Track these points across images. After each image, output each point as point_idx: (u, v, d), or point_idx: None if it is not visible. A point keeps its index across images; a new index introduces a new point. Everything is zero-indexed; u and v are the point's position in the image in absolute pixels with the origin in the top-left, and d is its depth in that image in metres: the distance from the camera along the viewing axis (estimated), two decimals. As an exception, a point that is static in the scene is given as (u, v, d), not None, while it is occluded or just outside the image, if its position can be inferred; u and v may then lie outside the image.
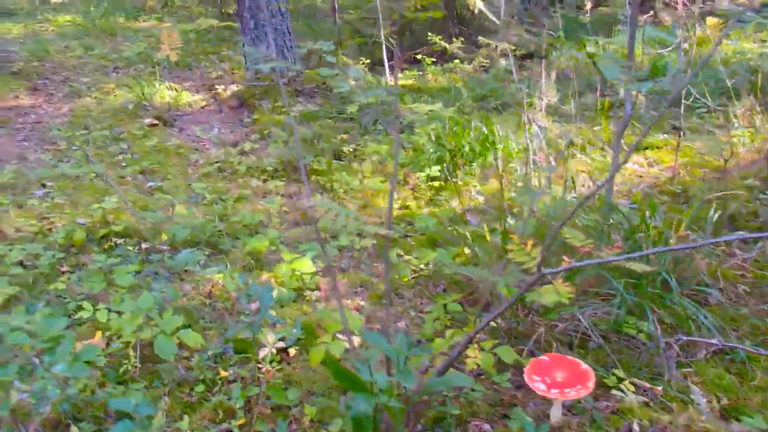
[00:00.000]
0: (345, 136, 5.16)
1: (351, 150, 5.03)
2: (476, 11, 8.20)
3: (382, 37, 7.67)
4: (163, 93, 7.86)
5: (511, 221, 3.04)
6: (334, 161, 5.03)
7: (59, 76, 9.43)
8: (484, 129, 4.57)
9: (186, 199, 4.63)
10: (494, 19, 8.07)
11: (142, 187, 4.86)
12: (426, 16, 8.83)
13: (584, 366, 2.04)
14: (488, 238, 3.03)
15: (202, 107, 7.75)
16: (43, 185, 4.96)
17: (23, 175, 5.18)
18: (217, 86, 8.44)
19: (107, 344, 2.71)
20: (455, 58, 8.32)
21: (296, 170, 5.01)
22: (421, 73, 8.27)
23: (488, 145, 4.47)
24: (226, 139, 5.97)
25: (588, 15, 8.79)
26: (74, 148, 5.61)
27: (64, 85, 9.02)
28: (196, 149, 5.75)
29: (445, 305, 2.77)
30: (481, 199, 4.06)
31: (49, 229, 4.05)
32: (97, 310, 2.80)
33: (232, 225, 4.06)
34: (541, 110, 4.25)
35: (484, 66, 8.32)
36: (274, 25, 6.50)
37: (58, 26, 13.45)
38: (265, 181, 4.92)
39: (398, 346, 1.85)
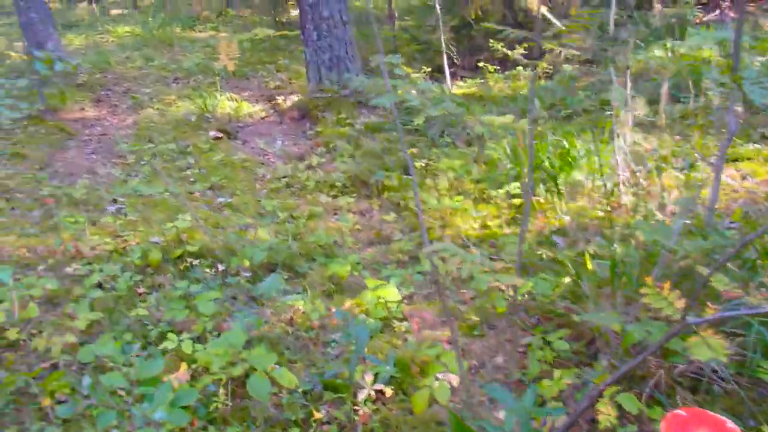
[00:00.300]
0: (414, 150, 5.00)
1: (423, 165, 4.86)
2: (539, 15, 7.94)
3: (442, 44, 7.51)
4: (224, 104, 7.86)
5: (617, 248, 2.83)
6: (405, 176, 4.88)
7: (121, 87, 9.56)
8: (565, 142, 4.36)
9: (256, 216, 4.55)
10: (558, 23, 7.79)
11: (212, 203, 4.80)
12: (485, 21, 8.63)
13: (730, 425, 1.83)
14: (590, 265, 2.83)
15: (263, 118, 7.71)
16: (115, 201, 4.96)
17: (95, 190, 5.19)
18: (276, 96, 8.41)
19: (192, 376, 2.62)
20: (518, 65, 8.08)
21: (366, 185, 4.88)
22: (482, 80, 8.06)
23: (569, 159, 4.25)
24: (291, 152, 5.89)
25: (657, 16, 8.44)
26: (142, 162, 5.60)
27: (126, 96, 9.14)
28: (262, 163, 5.69)
29: (548, 341, 2.58)
30: (567, 219, 3.85)
31: (124, 248, 4.01)
32: (181, 340, 2.71)
33: (306, 245, 3.95)
34: (627, 122, 4.01)
35: (547, 72, 8.07)
36: (336, 36, 6.40)
37: (117, 37, 13.71)
38: (334, 197, 4.81)
39: (525, 406, 1.68)
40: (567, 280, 2.88)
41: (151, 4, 16.81)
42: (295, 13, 14.10)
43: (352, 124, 6.20)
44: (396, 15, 9.80)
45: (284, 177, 5.19)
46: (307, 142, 6.11)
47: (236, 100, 8.12)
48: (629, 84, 4.12)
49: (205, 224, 4.30)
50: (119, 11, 15.62)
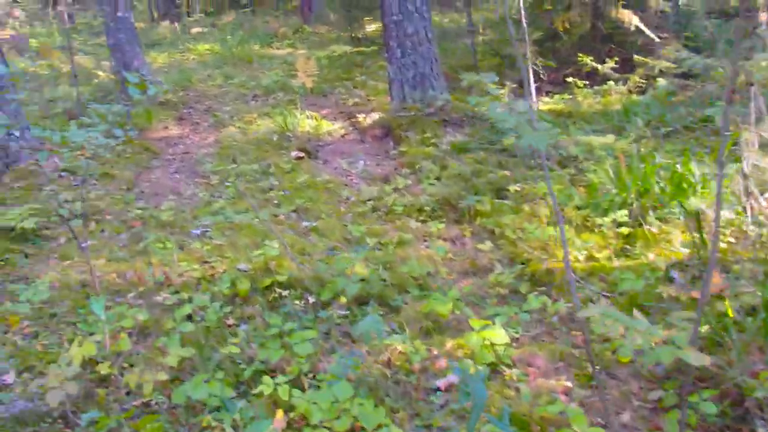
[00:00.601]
0: (507, 173, 4.74)
1: (518, 189, 4.59)
2: (631, 27, 7.54)
3: (527, 57, 7.21)
4: (304, 122, 7.80)
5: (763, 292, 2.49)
6: (497, 200, 4.62)
7: (202, 105, 9.69)
8: (678, 166, 4.00)
9: (343, 242, 4.39)
10: (652, 35, 7.38)
11: (298, 228, 4.68)
12: (571, 33, 8.27)
13: None
14: (732, 312, 2.50)
15: (342, 136, 7.61)
16: (200, 224, 4.90)
17: (180, 211, 5.16)
18: (356, 114, 8.31)
19: (288, 424, 2.44)
20: (608, 79, 7.69)
21: (455, 209, 4.65)
22: (570, 96, 7.70)
23: (684, 185, 3.89)
24: (375, 173, 5.73)
25: (765, 26, 7.85)
26: (226, 184, 5.56)
27: (207, 114, 9.24)
28: (345, 184, 5.54)
29: (689, 401, 2.27)
30: (685, 251, 3.50)
31: (212, 275, 3.92)
32: (277, 383, 2.54)
33: (398, 275, 3.74)
34: (752, 143, 3.63)
35: (640, 87, 7.65)
36: (420, 53, 6.22)
37: (198, 55, 14.02)
38: (423, 221, 4.60)
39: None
40: (705, 328, 2.55)
41: (230, 22, 17.18)
42: (371, 29, 14.07)
43: (436, 143, 5.99)
44: (476, 29, 9.55)
45: (369, 200, 5.02)
46: (391, 163, 5.94)
47: (316, 118, 8.06)
48: (756, 99, 3.74)
49: (292, 250, 4.17)
50: (199, 29, 16.02)
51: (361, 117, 7.88)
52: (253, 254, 3.99)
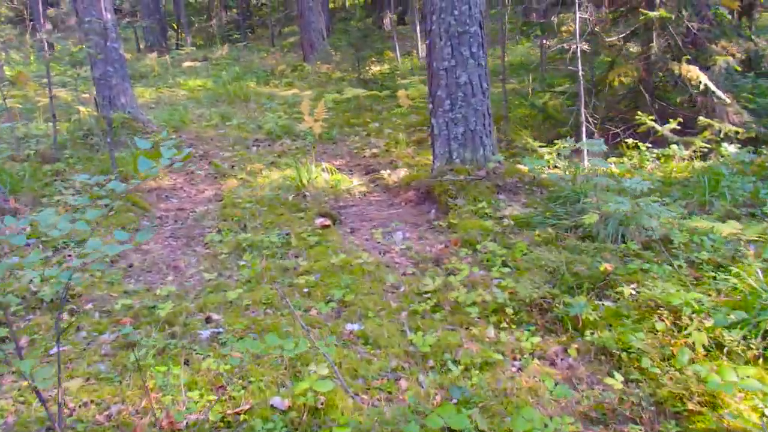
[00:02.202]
0: (608, 266, 3.69)
1: (632, 291, 3.54)
2: (700, 85, 6.63)
3: (582, 115, 6.26)
4: (319, 177, 6.74)
5: None
6: (600, 302, 3.57)
7: (198, 150, 8.58)
8: None
9: (404, 357, 3.30)
10: (723, 96, 6.50)
11: (340, 331, 3.57)
12: (619, 85, 7.38)
13: None
14: None
15: (364, 194, 6.56)
16: (208, 319, 3.77)
17: (182, 300, 4.03)
18: (378, 169, 7.27)
19: None
20: (669, 142, 6.77)
21: (542, 311, 3.59)
22: (621, 157, 6.76)
23: None
24: (421, 252, 4.65)
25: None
26: (240, 262, 4.43)
27: (204, 161, 8.14)
28: (388, 265, 4.46)
29: None
30: None
31: (235, 416, 2.78)
32: None
33: (498, 421, 2.65)
34: None
35: (703, 151, 6.72)
36: (473, 106, 5.22)
37: (189, 90, 12.96)
38: (504, 328, 3.52)
39: None
40: None
41: (223, 57, 16.20)
42: (377, 68, 13.17)
43: (492, 214, 4.95)
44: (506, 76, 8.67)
45: (425, 293, 3.93)
46: (439, 237, 4.87)
47: (332, 171, 7.00)
48: None
49: (341, 372, 3.06)
50: (190, 63, 15.00)
51: (384, 173, 6.85)
52: (286, 373, 2.86)
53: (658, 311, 3.26)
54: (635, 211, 3.91)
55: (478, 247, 4.48)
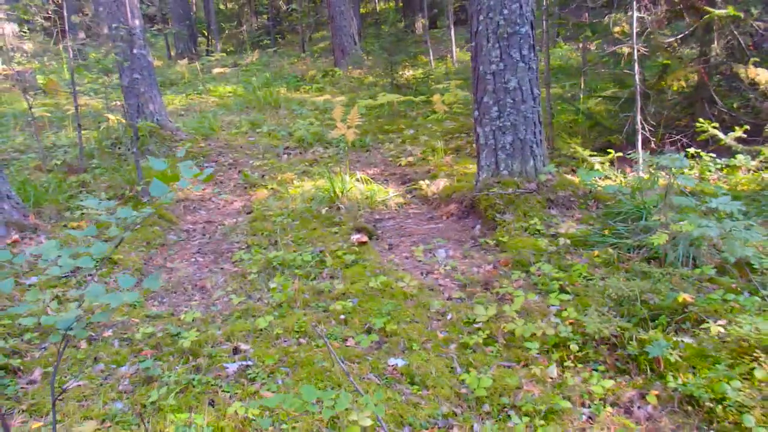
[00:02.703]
0: (688, 297, 3.24)
1: (722, 328, 3.08)
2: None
3: (638, 120, 5.80)
4: (353, 187, 6.38)
5: None
6: (674, 336, 3.13)
7: (227, 158, 8.30)
8: None
9: (456, 400, 2.90)
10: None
11: (381, 367, 3.18)
12: (672, 91, 6.88)
13: None
14: None
15: (401, 205, 6.18)
16: (236, 350, 3.42)
17: (208, 325, 3.69)
18: (414, 179, 6.89)
19: None
20: (734, 152, 6.25)
21: (613, 348, 3.16)
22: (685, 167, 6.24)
23: None
24: (468, 273, 4.25)
25: None
26: (271, 284, 4.07)
27: (233, 170, 7.85)
28: (431, 289, 4.07)
29: None
30: None
31: (265, 473, 2.42)
32: None
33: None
34: None
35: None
36: (523, 113, 4.81)
37: (219, 97, 12.74)
38: (568, 367, 3.09)
39: None
40: None
41: (253, 63, 15.98)
42: (410, 73, 12.79)
43: (544, 231, 4.53)
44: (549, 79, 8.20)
45: (476, 323, 3.53)
46: (486, 257, 4.46)
47: (367, 181, 6.64)
48: None
49: (384, 417, 2.68)
50: (220, 69, 14.79)
51: (423, 183, 6.46)
52: (323, 419, 2.49)
53: (754, 353, 2.81)
54: (725, 236, 3.45)
55: (532, 270, 4.05)
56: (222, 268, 4.75)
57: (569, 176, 5.37)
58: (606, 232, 4.39)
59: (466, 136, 8.37)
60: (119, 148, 8.23)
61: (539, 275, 4.00)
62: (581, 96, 8.83)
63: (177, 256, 5.12)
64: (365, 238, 4.81)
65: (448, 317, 3.65)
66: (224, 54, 17.42)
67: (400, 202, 6.27)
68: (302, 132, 8.97)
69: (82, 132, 9.60)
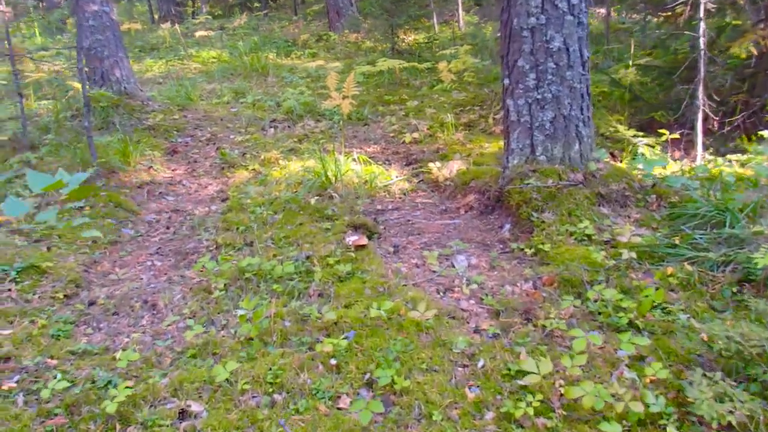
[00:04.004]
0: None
1: None
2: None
3: (700, 95, 4.75)
4: (349, 170, 5.34)
5: None
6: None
7: (205, 133, 7.23)
8: None
9: None
10: None
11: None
12: (743, 58, 5.81)
13: None
14: None
15: (407, 193, 5.15)
16: (183, 414, 2.41)
17: (150, 369, 2.68)
18: (421, 159, 5.84)
19: None
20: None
21: (728, 430, 2.16)
22: (742, 153, 5.23)
23: None
24: (499, 293, 3.24)
25: None
26: (239, 313, 3.03)
27: (210, 147, 6.78)
28: (453, 316, 3.06)
29: None
30: None
31: None
32: None
33: None
34: None
35: None
36: (569, 83, 3.74)
37: (202, 63, 11.59)
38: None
39: None
40: None
41: (241, 26, 14.74)
42: (412, 38, 11.64)
43: (595, 237, 3.50)
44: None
45: (523, 377, 2.51)
46: (521, 270, 3.45)
47: (366, 162, 5.59)
48: None
49: None
50: (204, 33, 13.57)
51: (433, 166, 5.41)
52: None
53: None
54: None
55: (589, 295, 3.04)
56: (183, 277, 3.73)
57: (616, 164, 4.33)
58: (677, 240, 3.38)
59: (479, 108, 7.30)
60: (80, 120, 7.14)
61: (597, 301, 2.99)
62: (612, 65, 7.74)
63: (130, 258, 4.09)
64: (364, 240, 3.78)
65: (479, 364, 2.65)
66: (210, 17, 16.15)
67: (405, 189, 5.24)
68: (291, 102, 7.88)
69: (43, 103, 8.51)
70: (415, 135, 6.60)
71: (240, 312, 2.89)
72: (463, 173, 4.98)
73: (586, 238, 3.53)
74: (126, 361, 2.69)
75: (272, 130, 7.32)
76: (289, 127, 7.39)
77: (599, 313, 2.95)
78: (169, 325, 3.12)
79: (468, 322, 3.02)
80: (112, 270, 3.86)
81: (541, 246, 3.51)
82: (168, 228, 4.74)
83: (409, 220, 4.52)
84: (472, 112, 7.21)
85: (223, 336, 2.96)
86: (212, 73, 10.41)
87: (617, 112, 6.46)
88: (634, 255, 3.24)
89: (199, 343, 2.88)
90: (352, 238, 3.77)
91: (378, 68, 8.73)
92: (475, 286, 3.33)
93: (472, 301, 3.22)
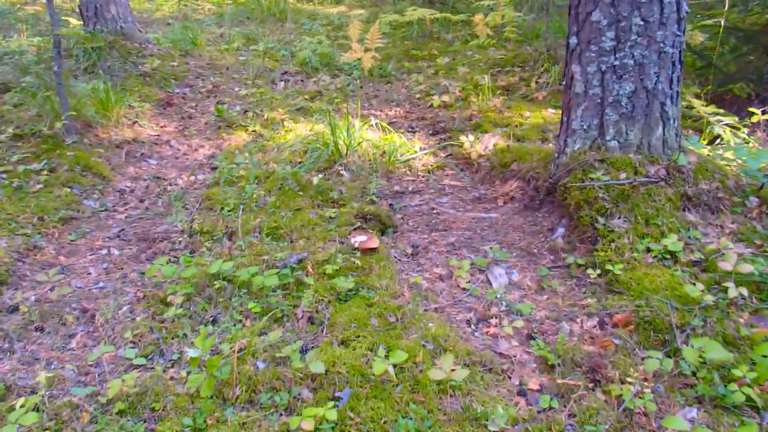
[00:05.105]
0: None
1: None
2: None
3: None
4: (364, 136, 4.45)
5: None
6: None
7: (206, 84, 6.34)
8: None
9: None
10: None
11: None
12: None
13: None
14: None
15: (432, 171, 4.25)
16: None
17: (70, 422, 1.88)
18: (451, 128, 4.91)
19: None
20: None
21: None
22: None
23: None
24: (553, 334, 2.37)
25: None
26: (192, 354, 2.17)
27: (210, 100, 5.90)
28: (489, 367, 2.20)
29: None
30: None
31: None
32: None
33: None
34: None
35: None
36: (657, 45, 2.78)
37: (215, 4, 10.61)
38: None
39: None
40: None
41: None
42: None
43: (682, 257, 2.59)
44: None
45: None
46: (582, 297, 2.57)
47: (384, 129, 4.69)
48: None
49: None
50: (223, -29, 12.48)
51: (464, 139, 4.49)
52: None
53: None
54: None
55: (688, 355, 2.15)
56: (141, 275, 2.91)
57: (704, 152, 3.37)
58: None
59: (519, 70, 6.30)
60: (69, 60, 6.27)
61: (695, 361, 2.11)
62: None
63: (83, 242, 3.28)
64: (374, 242, 2.91)
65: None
66: (231, -46, 14.99)
67: (430, 165, 4.35)
68: (307, 53, 6.92)
69: (36, 40, 7.66)
70: (445, 98, 5.64)
71: (192, 353, 2.06)
72: (503, 151, 4.06)
73: (668, 256, 2.62)
74: (30, 422, 1.88)
75: (282, 83, 6.40)
76: (302, 81, 6.47)
77: (696, 376, 2.07)
78: (99, 358, 2.30)
79: (509, 377, 2.16)
80: (55, 260, 3.05)
81: (609, 266, 2.62)
82: (141, 201, 3.91)
83: (433, 209, 3.64)
84: (512, 74, 6.21)
85: (170, 380, 2.14)
86: (225, 16, 9.43)
87: (687, 82, 5.42)
88: (744, 291, 2.33)
89: (134, 393, 2.07)
90: (358, 239, 2.90)
91: (406, 18, 7.69)
92: (518, 318, 2.46)
93: (514, 343, 2.36)
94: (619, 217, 2.78)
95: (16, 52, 6.84)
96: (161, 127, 5.21)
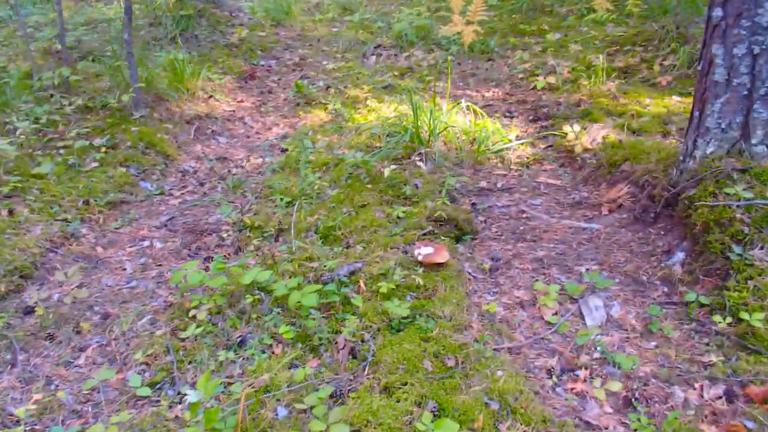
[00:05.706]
0: None
1: None
2: None
3: None
4: (453, 120, 3.91)
5: None
6: None
7: (293, 56, 6.00)
8: None
9: None
10: None
11: None
12: None
13: None
14: None
15: (526, 164, 3.66)
16: None
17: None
18: (554, 115, 4.28)
19: None
20: None
21: None
22: None
23: None
24: (658, 396, 1.78)
25: None
26: (191, 399, 1.78)
27: (295, 74, 5.56)
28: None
29: None
30: None
31: None
32: None
33: None
34: None
35: None
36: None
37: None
38: None
39: None
40: None
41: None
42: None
43: None
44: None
45: None
46: (697, 344, 1.98)
47: (477, 114, 4.11)
48: None
49: None
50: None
51: (569, 129, 3.84)
52: None
53: None
54: None
55: None
56: (178, 273, 2.56)
57: None
58: None
59: (641, 50, 5.48)
60: (158, 29, 6.12)
61: None
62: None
63: (126, 231, 2.99)
64: (441, 257, 2.40)
65: None
66: None
67: (526, 158, 3.76)
68: (403, 25, 6.41)
69: (134, 5, 7.60)
70: (551, 79, 4.97)
71: (191, 396, 1.65)
72: (613, 146, 3.41)
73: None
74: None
75: (373, 58, 5.94)
76: (395, 55, 5.98)
77: None
78: (100, 383, 1.95)
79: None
80: (91, 251, 2.76)
81: (743, 312, 1.98)
82: (201, 185, 3.60)
83: (522, 212, 3.07)
84: (632, 54, 5.42)
85: (173, 422, 1.76)
86: (324, -16, 9.06)
87: None
88: None
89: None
90: (423, 251, 2.40)
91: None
92: (615, 373, 1.89)
93: (607, 408, 1.80)
94: (762, 248, 2.12)
95: (112, 19, 6.78)
96: (238, 102, 4.91)
